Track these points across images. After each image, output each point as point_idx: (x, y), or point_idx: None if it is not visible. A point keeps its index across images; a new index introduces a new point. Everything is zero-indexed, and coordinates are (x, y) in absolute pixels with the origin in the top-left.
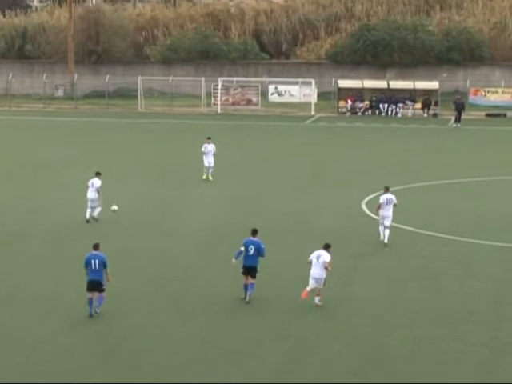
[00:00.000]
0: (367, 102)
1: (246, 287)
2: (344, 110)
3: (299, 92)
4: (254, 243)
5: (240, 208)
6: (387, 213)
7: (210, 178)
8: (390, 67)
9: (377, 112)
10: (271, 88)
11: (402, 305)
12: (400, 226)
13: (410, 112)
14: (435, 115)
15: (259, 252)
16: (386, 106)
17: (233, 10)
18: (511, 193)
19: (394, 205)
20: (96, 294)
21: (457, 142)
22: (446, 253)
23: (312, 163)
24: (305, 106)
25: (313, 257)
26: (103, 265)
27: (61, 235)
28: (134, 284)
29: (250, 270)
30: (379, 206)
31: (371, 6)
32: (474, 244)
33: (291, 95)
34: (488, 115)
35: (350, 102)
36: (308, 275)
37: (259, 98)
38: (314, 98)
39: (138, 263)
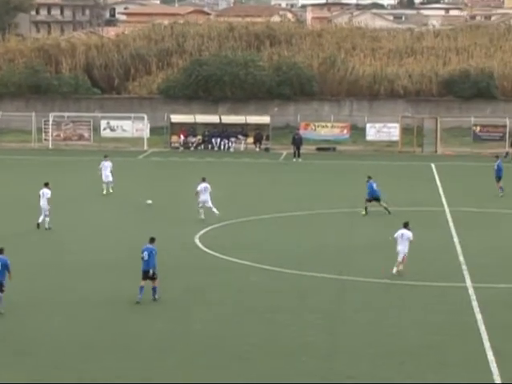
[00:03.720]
0: (200, 137)
1: (141, 289)
2: (177, 144)
3: (132, 127)
4: (147, 249)
5: (76, 245)
6: (204, 197)
7: (111, 190)
8: (222, 102)
9: (209, 147)
10: (103, 123)
11: (237, 338)
12: (234, 259)
13: (242, 146)
14: (267, 149)
15: (149, 257)
16: (219, 140)
17: (63, 45)
18: (341, 226)
19: (210, 193)
20: None
21: (288, 175)
22: (280, 286)
23: (144, 198)
24: (137, 140)
25: (398, 235)
26: (5, 267)
27: None
28: None
29: (146, 274)
30: (196, 193)
31: (203, 42)
32: (306, 276)
33: (124, 130)
34: (318, 149)
35: (182, 137)
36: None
37: (91, 133)
38: (146, 133)
39: None
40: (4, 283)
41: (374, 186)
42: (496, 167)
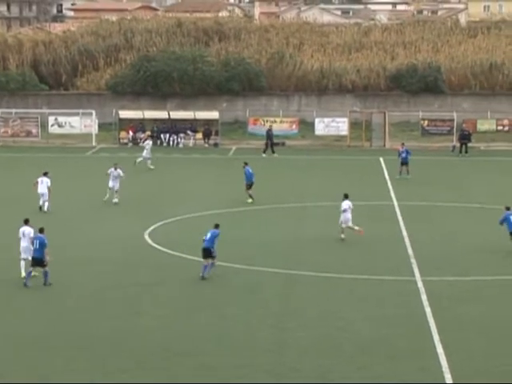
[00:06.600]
0: (148, 133)
1: (204, 267)
2: (126, 140)
3: (80, 123)
4: (211, 232)
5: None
6: (113, 183)
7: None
8: (171, 98)
9: (158, 142)
10: (51, 119)
11: (190, 334)
12: (186, 256)
13: (191, 142)
14: (216, 145)
15: (41, 245)
16: (168, 136)
17: (10, 41)
18: (289, 220)
19: (122, 178)
20: (39, 269)
21: (237, 171)
22: (229, 281)
23: (94, 194)
24: (86, 137)
25: (345, 206)
26: (42, 245)
27: None
28: None
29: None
30: (107, 174)
31: (151, 37)
32: (256, 271)
33: (72, 126)
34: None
35: (131, 133)
36: None
37: (39, 130)
38: (94, 129)
39: None
40: (44, 259)
41: (250, 171)
42: (404, 154)
